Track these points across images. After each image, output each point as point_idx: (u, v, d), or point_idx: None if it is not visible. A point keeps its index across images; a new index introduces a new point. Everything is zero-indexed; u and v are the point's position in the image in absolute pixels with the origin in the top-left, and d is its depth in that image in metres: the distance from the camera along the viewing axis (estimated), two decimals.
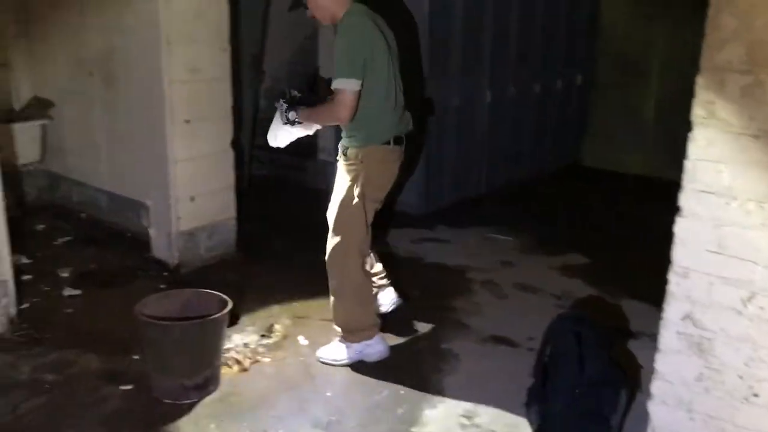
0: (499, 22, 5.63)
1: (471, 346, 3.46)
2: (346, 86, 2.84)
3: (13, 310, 3.42)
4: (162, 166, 3.99)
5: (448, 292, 4.05)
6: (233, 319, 3.37)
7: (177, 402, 2.86)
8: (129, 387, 2.98)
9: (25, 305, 3.59)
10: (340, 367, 3.22)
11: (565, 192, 6.22)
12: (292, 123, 3.09)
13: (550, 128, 6.56)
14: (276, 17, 6.15)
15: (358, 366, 3.22)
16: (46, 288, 3.86)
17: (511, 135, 6.08)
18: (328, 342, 3.32)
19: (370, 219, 3.15)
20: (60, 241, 4.57)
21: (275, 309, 3.73)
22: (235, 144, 4.35)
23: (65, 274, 4.04)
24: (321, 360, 3.26)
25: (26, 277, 3.90)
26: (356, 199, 3.04)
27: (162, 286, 3.89)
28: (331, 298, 3.26)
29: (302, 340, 3.44)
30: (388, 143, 3.04)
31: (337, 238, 3.13)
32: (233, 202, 4.39)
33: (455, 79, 5.38)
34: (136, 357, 3.16)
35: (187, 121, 3.95)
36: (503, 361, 3.34)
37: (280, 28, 6.47)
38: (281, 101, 3.11)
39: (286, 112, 3.07)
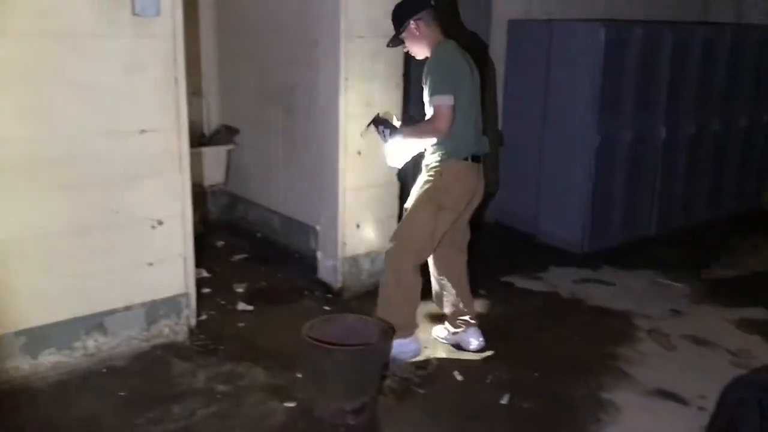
0: (678, 55, 5.38)
1: (634, 398, 3.29)
2: (442, 101, 3.22)
3: (193, 321, 3.71)
4: (332, 194, 4.18)
5: (610, 338, 3.89)
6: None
7: (335, 424, 2.96)
8: (292, 404, 3.12)
9: (203, 317, 3.88)
10: (495, 409, 3.17)
11: (746, 238, 5.76)
12: (391, 138, 3.41)
13: (730, 169, 6.14)
14: None
15: (514, 408, 3.16)
16: (222, 302, 4.15)
17: (687, 174, 5.76)
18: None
19: (442, 229, 3.40)
20: (236, 258, 4.90)
21: (431, 340, 3.76)
22: (399, 175, 4.47)
23: (240, 290, 4.32)
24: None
25: (205, 290, 4.21)
26: (429, 207, 3.35)
27: (326, 308, 4.07)
28: (380, 290, 3.49)
29: (457, 375, 3.43)
30: (467, 159, 3.36)
31: (400, 237, 3.43)
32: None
33: (628, 114, 5.20)
34: (299, 375, 3.32)
35: (359, 153, 4.12)
36: (670, 418, 3.14)
37: None
38: (381, 128, 3.43)
39: (390, 136, 3.41)
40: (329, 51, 4.04)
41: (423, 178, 3.45)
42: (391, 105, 4.20)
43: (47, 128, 3.07)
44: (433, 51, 3.34)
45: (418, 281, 3.47)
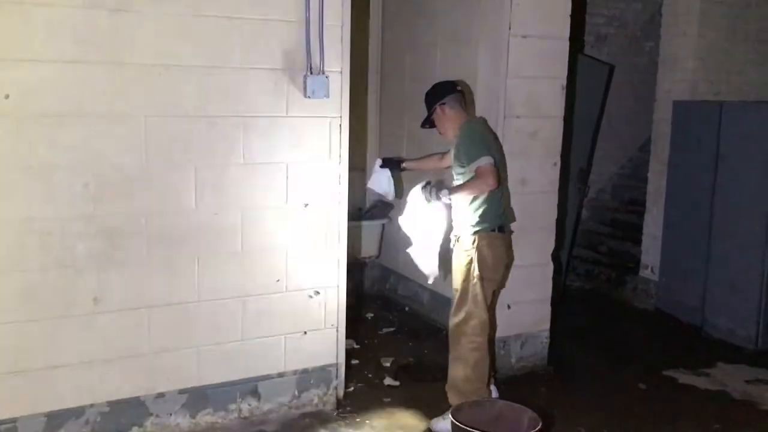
0: None
1: None
2: (485, 161, 3.40)
3: (341, 392, 3.76)
4: None
5: None
6: None
7: None
8: None
9: (351, 388, 3.92)
10: None
11: None
12: (437, 198, 3.46)
13: None
14: (607, 132, 6.18)
15: None
16: (369, 375, 4.18)
17: None
18: None
19: (489, 297, 3.57)
20: (385, 331, 4.95)
21: None
22: (554, 256, 4.35)
23: (387, 364, 4.33)
24: (434, 430, 3.50)
25: (354, 362, 4.27)
26: (474, 280, 3.50)
27: None
28: (451, 368, 3.59)
29: None
30: (494, 230, 3.53)
31: (461, 315, 3.54)
32: (548, 314, 4.36)
33: None
34: None
35: (512, 232, 4.05)
36: None
37: (609, 142, 6.46)
38: (430, 187, 3.51)
39: (436, 195, 3.47)
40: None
41: (458, 251, 3.59)
42: (544, 182, 4.16)
43: (222, 200, 3.31)
44: (464, 127, 3.59)
45: (489, 356, 3.60)
